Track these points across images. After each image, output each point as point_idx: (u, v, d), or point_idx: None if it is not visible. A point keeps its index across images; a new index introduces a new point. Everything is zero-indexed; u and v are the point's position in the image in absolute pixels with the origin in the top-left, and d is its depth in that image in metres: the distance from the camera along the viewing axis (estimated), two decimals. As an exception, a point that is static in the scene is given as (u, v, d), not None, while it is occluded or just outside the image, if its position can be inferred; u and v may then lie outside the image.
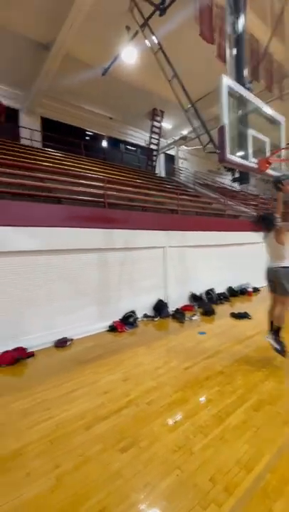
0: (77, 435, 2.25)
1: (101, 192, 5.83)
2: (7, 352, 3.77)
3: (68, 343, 4.34)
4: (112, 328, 4.93)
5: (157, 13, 6.21)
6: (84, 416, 2.49)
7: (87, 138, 12.12)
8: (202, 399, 2.72)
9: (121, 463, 1.95)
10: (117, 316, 5.24)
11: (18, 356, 3.72)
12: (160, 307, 5.76)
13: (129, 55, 7.98)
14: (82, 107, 11.16)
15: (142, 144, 13.86)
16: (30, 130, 9.91)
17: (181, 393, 2.82)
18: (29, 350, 3.95)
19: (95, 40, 7.77)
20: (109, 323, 5.05)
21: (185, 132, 13.39)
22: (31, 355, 3.90)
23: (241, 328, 4.94)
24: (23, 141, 9.61)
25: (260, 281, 8.48)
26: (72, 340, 4.44)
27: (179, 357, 3.72)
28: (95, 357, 3.82)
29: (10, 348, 3.86)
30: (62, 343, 4.29)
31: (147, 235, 5.84)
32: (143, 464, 1.94)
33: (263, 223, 3.45)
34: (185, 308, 6.15)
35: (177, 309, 5.89)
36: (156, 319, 5.55)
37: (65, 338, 4.39)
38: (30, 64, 8.30)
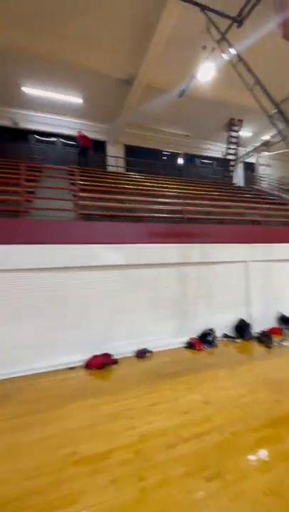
0: (159, 451, 2.27)
1: (178, 208, 5.98)
2: (96, 356, 4.19)
3: (148, 354, 4.49)
4: (190, 345, 4.83)
5: (234, 25, 6.18)
6: (166, 433, 2.50)
7: (164, 158, 12.77)
8: (300, 442, 2.33)
9: (206, 492, 1.85)
10: (194, 333, 5.11)
11: (105, 362, 4.08)
12: (242, 327, 5.32)
13: (206, 72, 8.11)
14: (160, 129, 11.89)
15: (218, 155, 13.60)
16: (115, 158, 11.18)
17: (272, 430, 2.49)
18: (114, 357, 4.28)
19: (173, 66, 8.27)
20: (186, 339, 4.97)
21: (267, 137, 12.44)
22: (116, 362, 4.20)
23: None
24: (109, 168, 10.91)
25: None
26: (151, 352, 4.58)
27: (268, 387, 3.31)
28: (173, 372, 3.81)
29: (99, 353, 4.28)
30: (142, 354, 4.47)
31: (226, 248, 5.58)
32: (229, 499, 1.78)
33: None
34: (272, 331, 5.47)
35: (263, 332, 5.30)
36: (237, 340, 5.13)
37: (146, 349, 4.56)
38: (115, 100, 9.48)
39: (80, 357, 4.20)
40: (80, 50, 7.34)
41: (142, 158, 11.58)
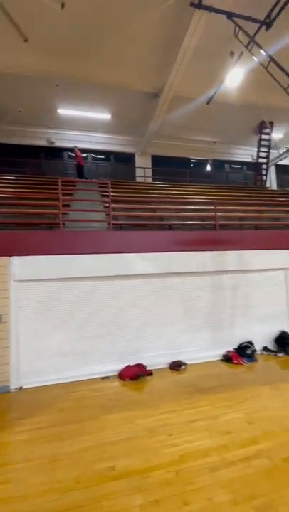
0: (202, 474, 2.11)
1: (209, 215, 5.83)
2: (130, 367, 4.14)
3: (182, 366, 4.33)
4: (227, 358, 4.57)
5: (264, 28, 6.04)
6: (207, 453, 2.33)
7: (191, 165, 12.71)
8: None
9: (258, 527, 1.66)
10: (231, 346, 4.84)
11: (139, 373, 4.00)
12: (284, 340, 4.92)
13: (234, 77, 7.99)
14: (187, 137, 11.89)
15: (248, 159, 13.17)
16: (143, 169, 11.38)
17: None
18: (148, 368, 4.19)
19: (200, 75, 8.28)
20: (222, 351, 4.72)
21: (302, 137, 11.80)
22: (150, 373, 4.11)
23: None
24: (137, 179, 11.11)
25: None
26: (186, 364, 4.41)
27: None
28: (211, 387, 3.60)
29: (132, 363, 4.23)
30: (176, 366, 4.32)
31: (263, 255, 5.28)
32: (287, 540, 1.57)
33: None
34: None
35: (308, 345, 4.85)
36: (280, 355, 4.75)
37: (180, 361, 4.41)
38: (143, 113, 9.70)
39: (114, 367, 4.19)
40: (110, 70, 7.70)
41: (170, 167, 11.62)
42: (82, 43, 6.81)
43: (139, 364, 4.22)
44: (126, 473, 2.16)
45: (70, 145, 10.90)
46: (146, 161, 11.66)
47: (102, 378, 4.05)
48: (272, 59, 5.63)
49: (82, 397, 3.50)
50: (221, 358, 4.65)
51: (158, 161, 11.86)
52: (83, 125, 10.47)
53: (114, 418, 2.96)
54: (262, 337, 5.07)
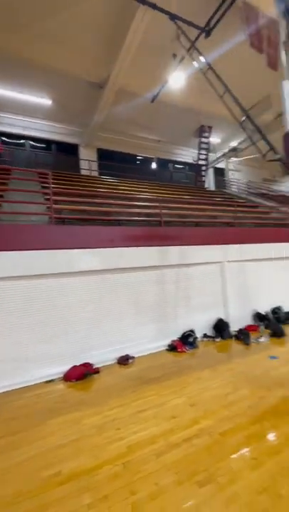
0: (149, 461, 2.19)
1: (155, 211, 6.00)
2: (75, 367, 3.99)
3: (130, 360, 4.39)
4: (172, 348, 4.82)
5: (204, 35, 6.44)
6: (154, 440, 2.43)
7: (137, 162, 12.84)
8: (284, 434, 2.39)
9: (199, 499, 1.81)
10: (176, 335, 5.12)
11: (87, 372, 3.90)
12: (221, 327, 5.44)
13: (177, 79, 8.32)
14: (133, 134, 11.94)
15: (190, 161, 14.00)
16: (88, 161, 10.99)
17: (260, 426, 2.53)
18: (95, 367, 4.11)
19: (144, 72, 8.38)
20: (167, 341, 4.96)
21: (235, 144, 13.08)
22: (97, 371, 4.05)
23: None
24: (82, 172, 10.68)
25: None
26: (134, 358, 4.48)
27: (251, 384, 3.39)
28: (158, 377, 3.75)
29: (78, 363, 4.09)
30: (124, 361, 4.36)
31: (203, 250, 5.70)
32: (224, 504, 1.76)
33: None
34: (249, 328, 5.68)
35: (240, 330, 5.47)
36: (217, 340, 5.23)
37: (128, 355, 4.46)
38: (87, 103, 9.34)
39: (59, 369, 3.98)
40: (47, 49, 7.14)
41: (116, 162, 11.52)
42: (15, 16, 6.14)
43: (86, 363, 4.11)
44: (74, 476, 2.09)
45: (4, 129, 9.79)
46: (91, 153, 11.30)
47: (47, 382, 3.82)
48: (210, 66, 6.04)
49: (24, 405, 3.24)
50: (167, 347, 4.88)
51: (104, 155, 11.62)
52: (19, 108, 9.50)
53: (60, 421, 2.83)
54: (202, 325, 5.50)
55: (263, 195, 13.43)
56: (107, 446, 2.41)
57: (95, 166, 11.32)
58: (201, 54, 6.21)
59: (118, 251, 4.71)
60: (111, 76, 7.97)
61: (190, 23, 6.39)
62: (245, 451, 2.22)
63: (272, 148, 4.76)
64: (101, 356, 4.33)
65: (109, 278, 4.66)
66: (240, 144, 11.94)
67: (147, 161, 13.14)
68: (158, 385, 3.51)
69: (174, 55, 7.70)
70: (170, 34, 6.80)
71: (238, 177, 15.15)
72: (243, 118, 5.44)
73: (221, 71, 6.10)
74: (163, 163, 13.62)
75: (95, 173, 11.03)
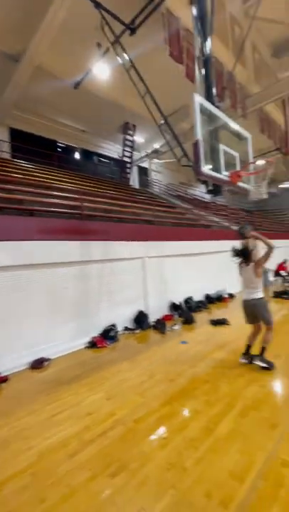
0: (61, 464, 2.08)
1: (77, 204, 5.74)
2: (-23, 378, 3.44)
3: (46, 363, 4.09)
4: (92, 344, 4.75)
5: (128, 32, 6.47)
6: (67, 442, 2.32)
7: (59, 150, 11.99)
8: (190, 410, 2.69)
9: (112, 489, 1.83)
10: (97, 331, 5.07)
11: (-9, 382, 3.41)
12: (141, 319, 5.70)
13: (101, 70, 8.16)
14: (54, 118, 11.07)
15: (115, 156, 14.03)
16: (-2, 141, 9.56)
17: (169, 407, 2.76)
18: (2, 375, 3.65)
19: (67, 53, 7.85)
20: (88, 339, 4.86)
21: (157, 146, 13.83)
22: (5, 379, 3.59)
23: (221, 334, 5.04)
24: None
25: (234, 287, 8.82)
26: (49, 360, 4.19)
27: (164, 369, 3.67)
28: (75, 376, 3.62)
29: (-20, 373, 3.54)
30: (38, 364, 4.02)
31: (125, 246, 5.82)
32: (135, 489, 1.84)
33: (243, 256, 3.41)
34: (166, 318, 6.15)
35: (158, 320, 5.86)
36: (137, 331, 5.46)
37: (42, 358, 4.13)
38: (-1, 75, 8.10)
39: None
40: None
41: (33, 146, 10.40)
42: None
43: (-9, 371, 3.60)
44: None
45: None
46: (2, 132, 9.86)
47: None
48: (132, 64, 6.13)
49: None
50: (87, 345, 4.77)
51: (18, 136, 10.32)
52: None
53: None
54: (124, 318, 5.63)
55: (180, 197, 14.73)
56: (15, 459, 2.16)
57: (6, 147, 9.95)
58: (124, 51, 6.22)
59: (32, 244, 4.28)
60: (28, 51, 7.15)
61: (115, 16, 6.32)
62: (156, 432, 2.38)
63: (185, 155, 5.24)
64: (10, 363, 3.86)
65: (20, 275, 4.17)
66: (161, 146, 12.69)
67: (70, 150, 12.45)
68: (76, 384, 3.39)
69: (99, 45, 7.50)
70: (95, 22, 6.57)
71: (159, 178, 16.12)
72: (162, 122, 5.77)
73: (145, 72, 6.28)
74: (87, 154, 13.18)
75: (7, 156, 9.69)
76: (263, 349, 3.50)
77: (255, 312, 3.48)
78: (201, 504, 1.68)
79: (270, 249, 3.26)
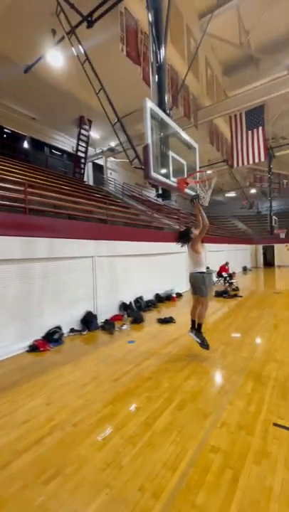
0: (-12, 480, 1.92)
1: (20, 196, 5.33)
2: None
3: (-22, 370, 3.71)
4: (33, 348, 4.47)
5: (85, 24, 6.26)
6: (-2, 454, 2.15)
7: (4, 136, 10.98)
8: (131, 408, 2.75)
9: (44, 496, 1.77)
10: (39, 334, 4.78)
11: None
12: (89, 320, 5.58)
13: (55, 58, 7.75)
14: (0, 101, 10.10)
15: (69, 150, 13.47)
16: None
17: (111, 407, 2.78)
18: None
19: (18, 35, 7.25)
20: (29, 342, 4.56)
21: (113, 144, 13.72)
22: None
23: (167, 332, 5.27)
24: None
25: (182, 287, 9.32)
26: (-17, 366, 3.81)
27: (109, 369, 3.67)
28: (12, 383, 3.37)
29: None
30: None
31: (75, 244, 5.63)
32: (69, 492, 1.80)
33: (182, 238, 3.90)
34: (115, 318, 6.16)
35: (106, 320, 5.83)
36: (84, 333, 5.34)
37: (-26, 364, 3.74)
38: None
39: None
40: None
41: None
42: None
43: None
44: None
45: None
46: None
47: None
48: (87, 58, 5.97)
49: None
50: (27, 349, 4.48)
51: None
52: None
53: None
54: (71, 320, 5.44)
55: (134, 198, 14.89)
56: None
57: None
58: (80, 42, 6.01)
59: None
60: None
61: (72, 6, 6.05)
62: (94, 434, 2.37)
63: (138, 157, 5.32)
64: None
65: None
66: (116, 145, 12.64)
67: (17, 137, 11.49)
68: (10, 391, 3.15)
69: (54, 31, 7.13)
70: (51, 8, 6.21)
71: (115, 177, 16.04)
72: (116, 121, 5.76)
73: (101, 68, 6.17)
74: (38, 144, 12.35)
75: None
76: (199, 326, 3.94)
77: (194, 284, 3.88)
78: (135, 499, 1.74)
79: (204, 226, 3.71)
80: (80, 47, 6.06)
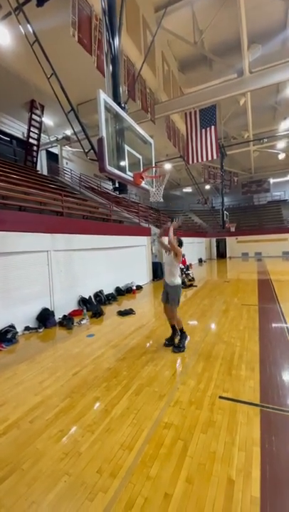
0: None
1: None
2: None
3: None
4: (-16, 349, 4.20)
5: (35, 2, 5.80)
6: None
7: None
8: (90, 399, 2.80)
9: (1, 494, 1.74)
10: (-9, 334, 4.50)
11: None
12: (45, 316, 5.40)
13: (0, 34, 7.04)
14: None
15: (19, 135, 12.48)
16: None
17: (69, 400, 2.79)
18: None
19: None
20: (-21, 343, 4.27)
21: (69, 133, 13.11)
22: None
23: (127, 324, 5.39)
24: None
25: (143, 280, 9.54)
26: None
27: (67, 364, 3.65)
28: None
29: None
30: None
31: (28, 237, 5.34)
32: (26, 486, 1.81)
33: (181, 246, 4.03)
34: (73, 313, 6.06)
35: (64, 316, 5.71)
36: (40, 330, 5.15)
37: None
38: None
39: None
40: None
41: None
42: None
43: None
44: None
45: None
46: None
47: None
48: (37, 39, 5.58)
49: None
50: (-23, 350, 4.19)
51: None
52: None
53: None
54: (25, 317, 5.19)
55: (93, 190, 14.54)
56: None
57: None
58: (28, 22, 5.57)
59: None
60: None
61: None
62: (52, 428, 2.38)
63: (93, 149, 5.22)
64: None
65: None
66: (72, 134, 12.11)
67: None
68: None
69: (-2, 3, 6.44)
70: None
71: (71, 167, 15.39)
72: (70, 110, 5.52)
73: (53, 51, 5.80)
74: (-17, 128, 11.18)
75: None
76: (181, 331, 4.04)
77: (171, 295, 4.00)
78: (93, 481, 1.82)
79: (178, 251, 3.92)
80: (28, 26, 5.60)
